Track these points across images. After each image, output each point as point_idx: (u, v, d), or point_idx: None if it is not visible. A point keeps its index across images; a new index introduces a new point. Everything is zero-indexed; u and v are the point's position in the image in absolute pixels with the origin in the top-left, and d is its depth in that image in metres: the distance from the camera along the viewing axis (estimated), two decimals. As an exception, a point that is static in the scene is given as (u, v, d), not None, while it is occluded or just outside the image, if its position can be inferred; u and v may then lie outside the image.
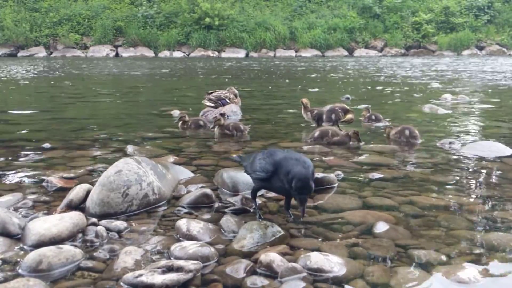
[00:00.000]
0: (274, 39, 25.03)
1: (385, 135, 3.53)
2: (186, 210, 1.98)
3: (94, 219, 1.78)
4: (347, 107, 4.03)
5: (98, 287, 1.36)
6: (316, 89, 7.83)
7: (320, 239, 1.69)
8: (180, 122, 3.96)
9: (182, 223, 1.72)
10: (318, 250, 1.57)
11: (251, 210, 1.95)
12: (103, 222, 1.77)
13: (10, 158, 2.84)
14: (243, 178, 2.21)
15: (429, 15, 26.84)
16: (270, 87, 8.46)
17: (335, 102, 4.23)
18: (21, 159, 2.83)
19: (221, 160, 2.83)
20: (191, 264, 1.41)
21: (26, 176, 2.46)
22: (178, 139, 3.55)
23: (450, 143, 3.23)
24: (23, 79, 10.04)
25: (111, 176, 1.93)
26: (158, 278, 1.34)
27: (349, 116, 4.04)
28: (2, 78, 10.27)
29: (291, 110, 5.08)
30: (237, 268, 1.44)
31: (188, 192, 2.17)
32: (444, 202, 2.08)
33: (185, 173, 2.48)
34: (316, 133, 3.38)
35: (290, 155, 1.74)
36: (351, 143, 3.29)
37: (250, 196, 1.93)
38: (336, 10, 27.10)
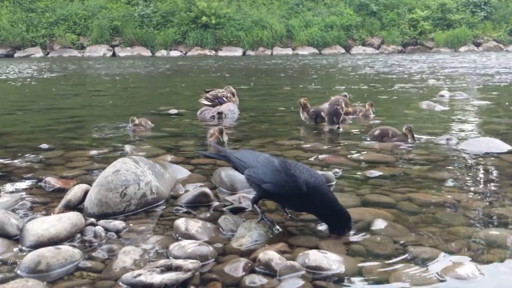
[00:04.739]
0: (271, 37, 24.98)
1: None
2: (184, 210, 1.98)
3: (92, 219, 1.78)
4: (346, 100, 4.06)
5: (97, 287, 1.36)
6: (314, 87, 7.83)
7: (318, 237, 1.69)
8: (132, 125, 3.88)
9: (181, 222, 1.72)
10: (316, 248, 1.58)
11: (249, 208, 1.95)
12: (102, 222, 1.77)
13: (7, 159, 2.83)
14: (241, 176, 2.20)
15: (426, 12, 26.82)
16: (267, 86, 8.46)
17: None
18: (18, 159, 2.83)
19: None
20: (190, 263, 1.41)
21: (24, 176, 2.46)
22: (176, 138, 3.55)
23: (448, 139, 3.23)
24: (20, 80, 10.01)
25: (109, 176, 1.93)
26: (157, 278, 1.34)
27: (348, 109, 4.08)
28: (-1, 79, 10.23)
29: (288, 109, 5.08)
30: (236, 267, 1.44)
31: (186, 191, 2.17)
32: (442, 198, 2.08)
33: (183, 172, 2.48)
34: (376, 132, 3.37)
35: (314, 174, 1.73)
36: (409, 140, 3.26)
37: (251, 203, 1.83)
38: (332, 8, 27.05)
